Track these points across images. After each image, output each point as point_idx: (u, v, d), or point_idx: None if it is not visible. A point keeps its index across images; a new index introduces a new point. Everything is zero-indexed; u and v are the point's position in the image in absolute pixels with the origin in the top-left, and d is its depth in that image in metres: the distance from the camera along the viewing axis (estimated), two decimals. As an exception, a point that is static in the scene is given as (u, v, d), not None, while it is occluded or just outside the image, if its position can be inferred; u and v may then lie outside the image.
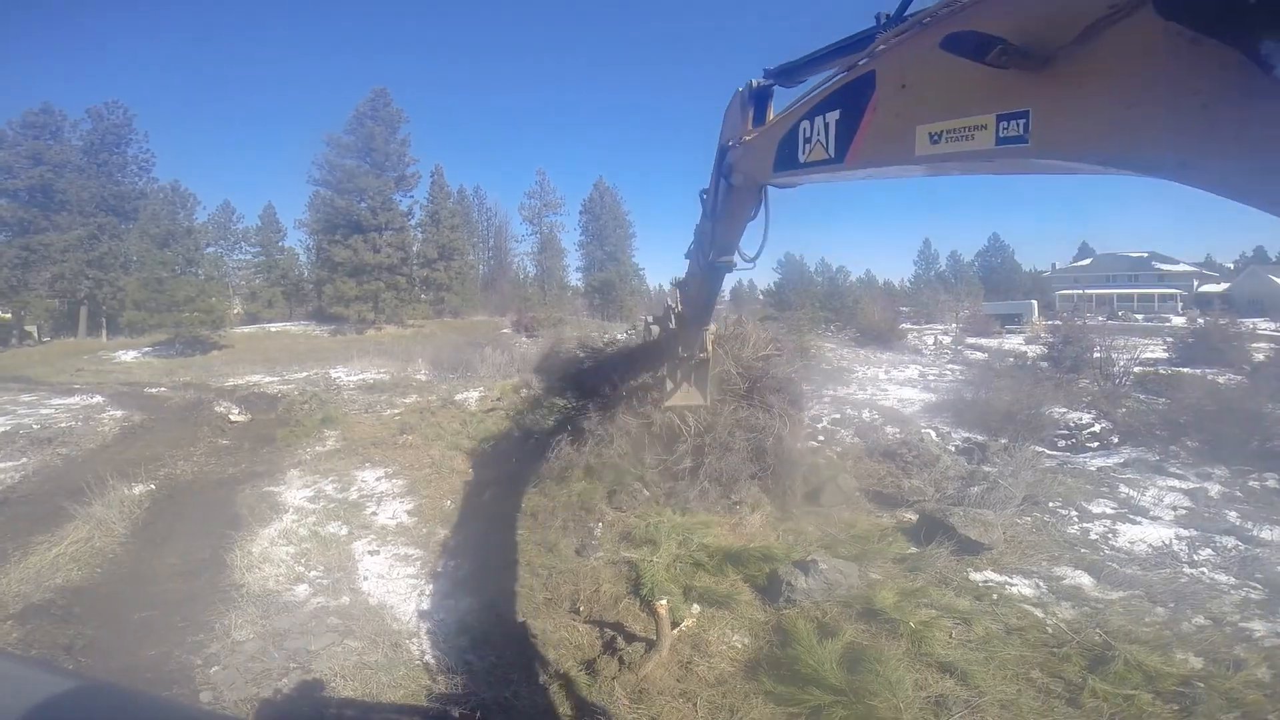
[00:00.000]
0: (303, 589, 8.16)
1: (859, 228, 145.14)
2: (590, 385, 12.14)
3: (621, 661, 6.08)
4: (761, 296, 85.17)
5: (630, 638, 6.53)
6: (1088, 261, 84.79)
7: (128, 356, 39.96)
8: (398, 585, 8.32)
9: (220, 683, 6.02)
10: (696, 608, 6.99)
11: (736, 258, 5.61)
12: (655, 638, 6.23)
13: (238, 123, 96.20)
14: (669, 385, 9.67)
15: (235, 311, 50.94)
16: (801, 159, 3.30)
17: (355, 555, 9.25)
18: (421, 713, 5.80)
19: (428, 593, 8.10)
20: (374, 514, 10.96)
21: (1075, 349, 24.98)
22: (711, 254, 5.84)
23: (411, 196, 54.41)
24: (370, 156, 50.76)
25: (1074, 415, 17.52)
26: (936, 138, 2.21)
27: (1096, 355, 23.72)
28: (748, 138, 4.40)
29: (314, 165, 49.79)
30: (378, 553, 9.40)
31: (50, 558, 8.51)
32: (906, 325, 51.50)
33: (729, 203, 5.06)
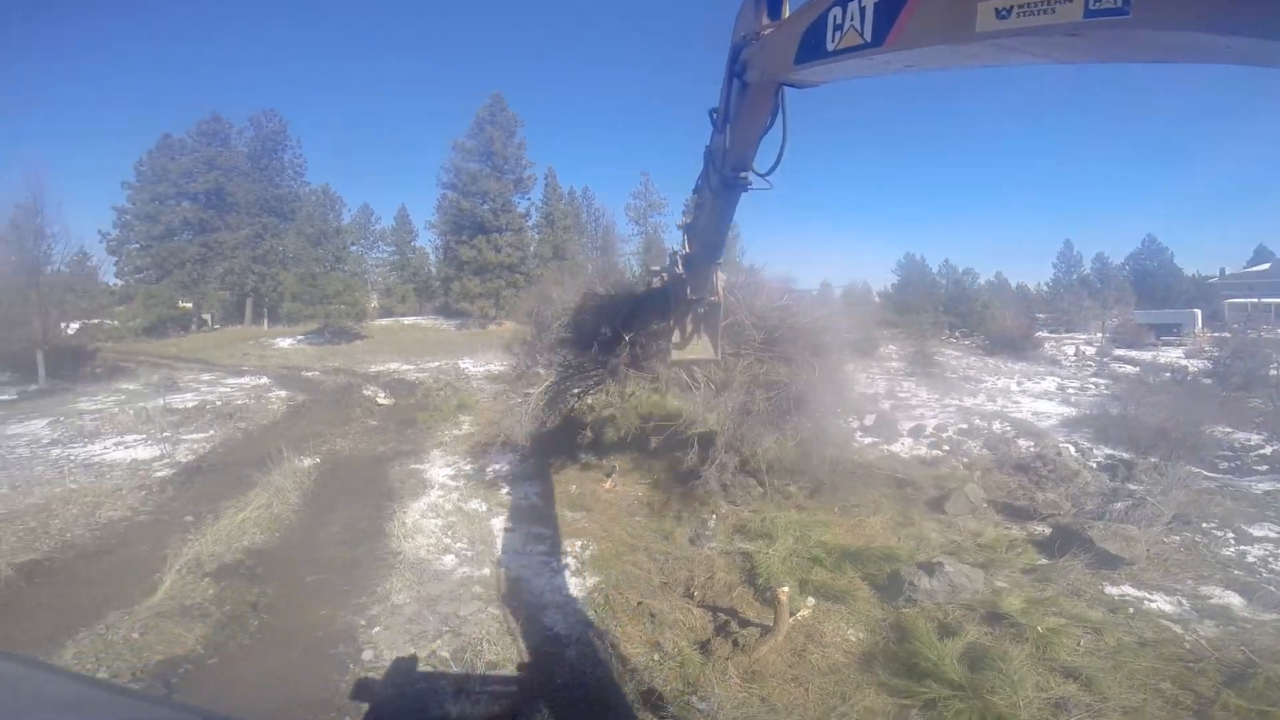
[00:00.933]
0: (450, 559, 9.20)
1: (988, 227, 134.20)
2: (599, 338, 11.04)
3: (735, 644, 6.42)
4: (877, 299, 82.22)
5: (744, 623, 6.94)
6: (1265, 267, 74.04)
7: (284, 343, 44.72)
8: (531, 560, 9.19)
9: (381, 642, 6.87)
10: (811, 600, 7.38)
11: (751, 176, 5.10)
12: (771, 624, 6.58)
13: (374, 128, 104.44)
14: (677, 336, 8.76)
15: (373, 306, 55.63)
16: (830, 47, 2.92)
17: (494, 531, 10.27)
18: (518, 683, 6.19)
19: (557, 568, 8.88)
20: (508, 493, 11.97)
21: (1247, 364, 22.83)
22: (724, 168, 5.20)
23: (528, 198, 57.13)
24: (490, 160, 53.76)
25: (1240, 436, 16.20)
26: (1005, 11, 1.86)
27: (1273, 372, 21.50)
28: (767, 30, 3.97)
29: (442, 169, 53.49)
30: (513, 530, 10.36)
31: (238, 521, 10.01)
32: (1043, 334, 48.24)
33: (742, 106, 4.51)
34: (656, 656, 6.49)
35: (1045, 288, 72.72)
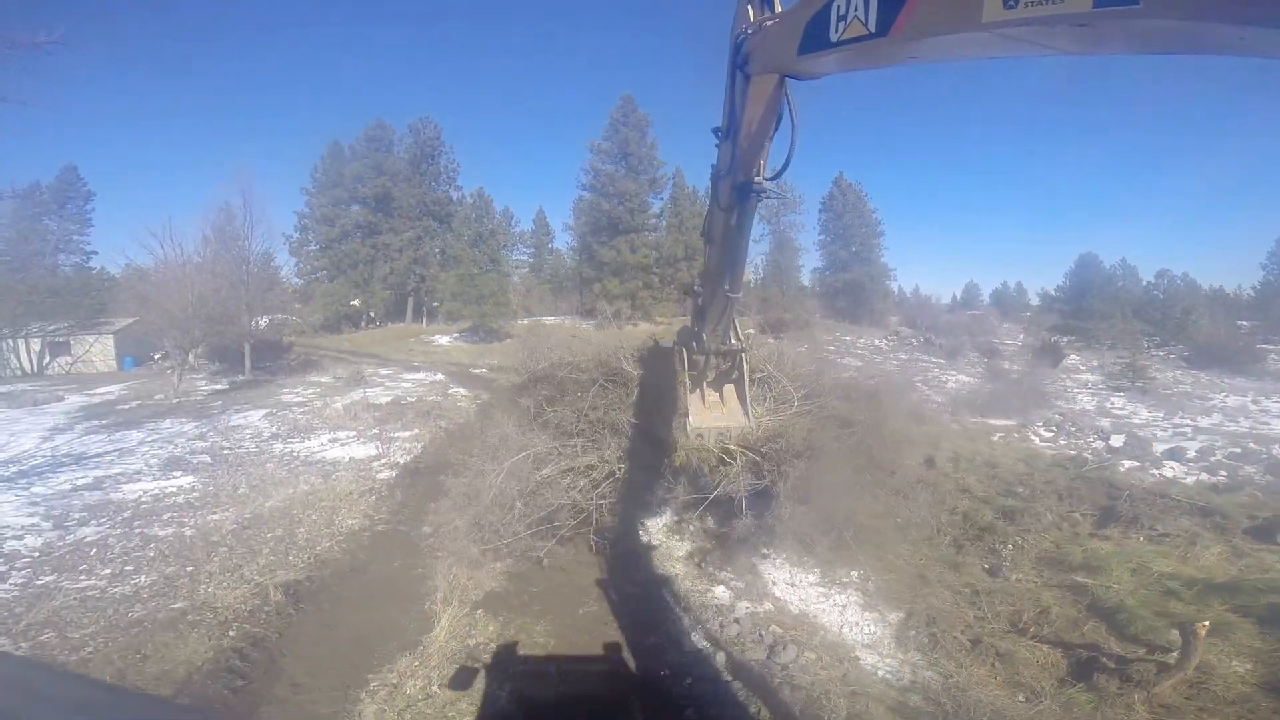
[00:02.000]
0: (721, 590, 7.81)
1: (1168, 221, 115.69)
2: None
3: (1127, 679, 6.00)
4: (1036, 301, 73.59)
5: (1119, 659, 6.38)
6: None
7: (443, 340, 46.34)
8: (807, 593, 8.15)
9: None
10: (1175, 634, 6.69)
11: (762, 180, 4.72)
12: (1178, 658, 6.06)
13: (510, 133, 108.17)
14: (691, 401, 7.57)
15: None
16: (834, 37, 2.88)
17: (756, 561, 8.91)
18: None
19: (846, 604, 7.90)
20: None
21: None
22: (735, 175, 4.85)
23: (661, 198, 55.97)
24: (625, 161, 53.12)
25: None
26: (1012, 1, 1.84)
27: None
28: (769, 22, 3.85)
29: (581, 170, 53.58)
30: (767, 556, 8.90)
31: None
32: (1265, 345, 40.74)
33: (746, 102, 4.21)
34: (1022, 697, 5.90)
35: (1253, 291, 61.82)
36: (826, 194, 64.30)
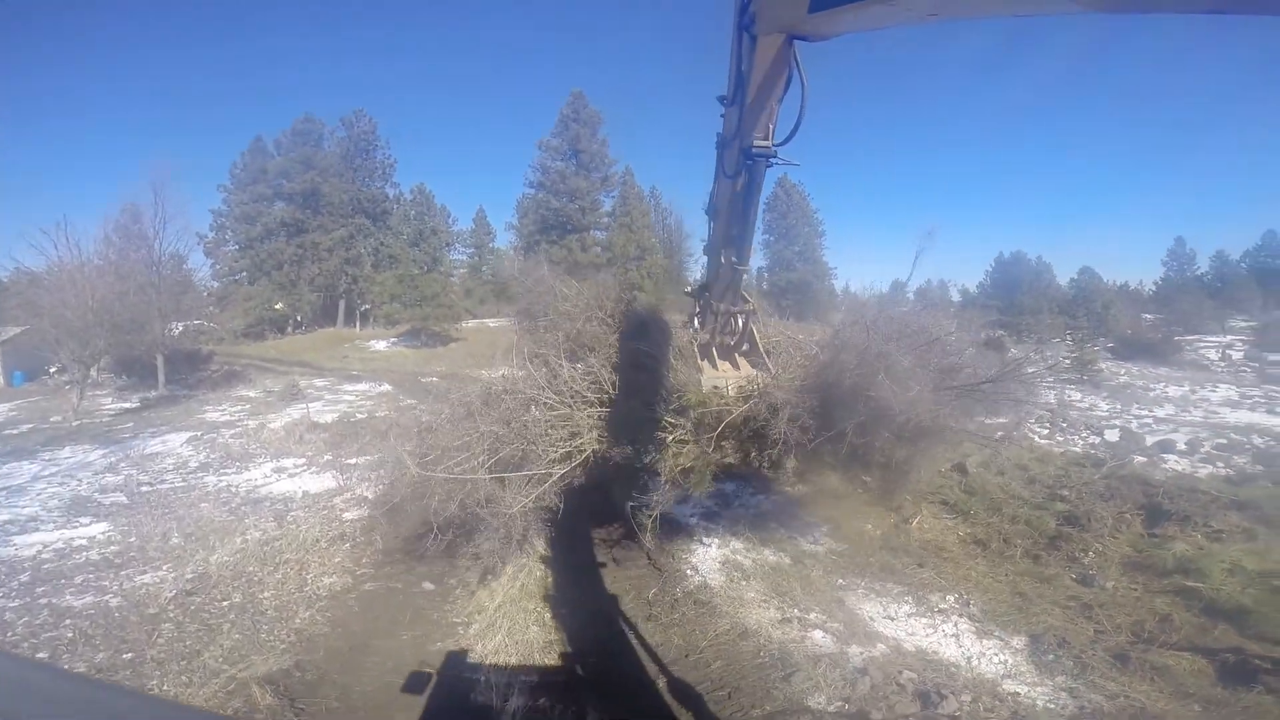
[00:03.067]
0: (820, 635, 6.70)
1: (1065, 221, 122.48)
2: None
3: None
4: (957, 298, 76.43)
5: (1274, 661, 6.11)
6: None
7: (380, 345, 43.26)
8: (910, 626, 7.37)
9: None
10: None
11: (771, 144, 4.57)
12: None
13: (448, 129, 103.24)
14: (703, 367, 7.71)
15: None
16: None
17: (837, 593, 8.04)
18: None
19: (958, 632, 7.17)
20: (786, 536, 10.16)
21: None
22: (743, 140, 4.71)
23: (612, 196, 54.55)
24: (576, 158, 51.44)
25: None
26: None
27: None
28: None
29: (530, 168, 51.52)
30: (853, 587, 8.28)
31: (501, 601, 7.95)
32: (1181, 337, 43.22)
33: (753, 64, 4.00)
34: (1198, 707, 5.65)
35: (1155, 285, 66.05)
36: (770, 194, 64.63)
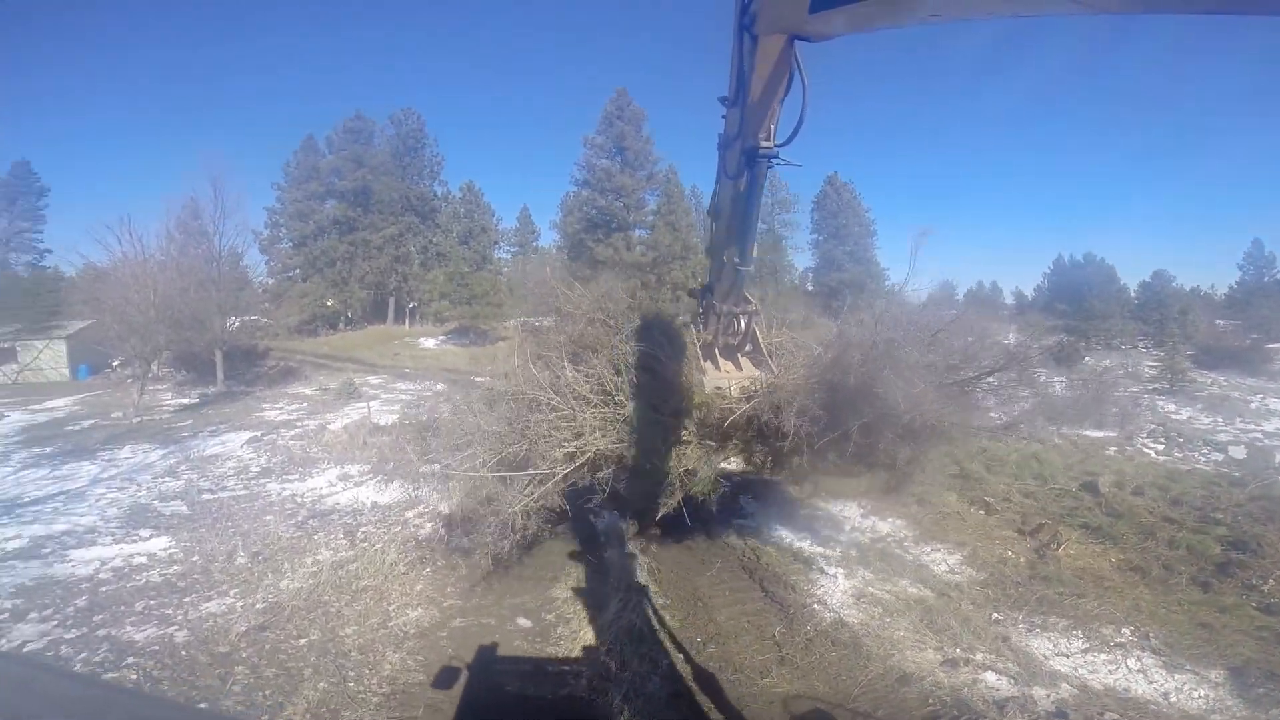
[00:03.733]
0: (994, 678, 6.00)
1: (1142, 221, 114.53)
2: None
3: None
4: (1011, 300, 72.64)
5: None
6: None
7: (430, 343, 42.85)
8: (1088, 662, 6.41)
9: None
10: None
11: (772, 144, 4.52)
12: None
13: (493, 130, 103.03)
14: (705, 369, 7.69)
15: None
16: None
17: (997, 628, 6.92)
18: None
19: (1143, 667, 6.33)
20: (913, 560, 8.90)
21: None
22: (745, 140, 4.65)
23: (656, 195, 53.27)
24: (621, 155, 50.28)
25: None
26: None
27: None
28: None
29: (575, 166, 50.60)
30: (1013, 622, 7.16)
31: None
32: (1272, 345, 39.90)
33: (754, 65, 3.92)
34: None
35: (1231, 289, 61.62)
36: (819, 193, 62.59)
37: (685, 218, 58.04)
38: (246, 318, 53.01)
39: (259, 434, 16.58)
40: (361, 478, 12.25)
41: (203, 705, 5.15)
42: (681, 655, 6.40)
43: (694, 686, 5.87)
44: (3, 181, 48.54)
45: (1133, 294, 53.88)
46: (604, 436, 7.54)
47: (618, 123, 51.18)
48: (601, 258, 47.85)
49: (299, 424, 17.87)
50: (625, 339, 8.60)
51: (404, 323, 51.48)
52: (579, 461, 7.51)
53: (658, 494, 7.63)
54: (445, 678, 5.73)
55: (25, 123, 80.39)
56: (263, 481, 12.31)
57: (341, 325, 50.99)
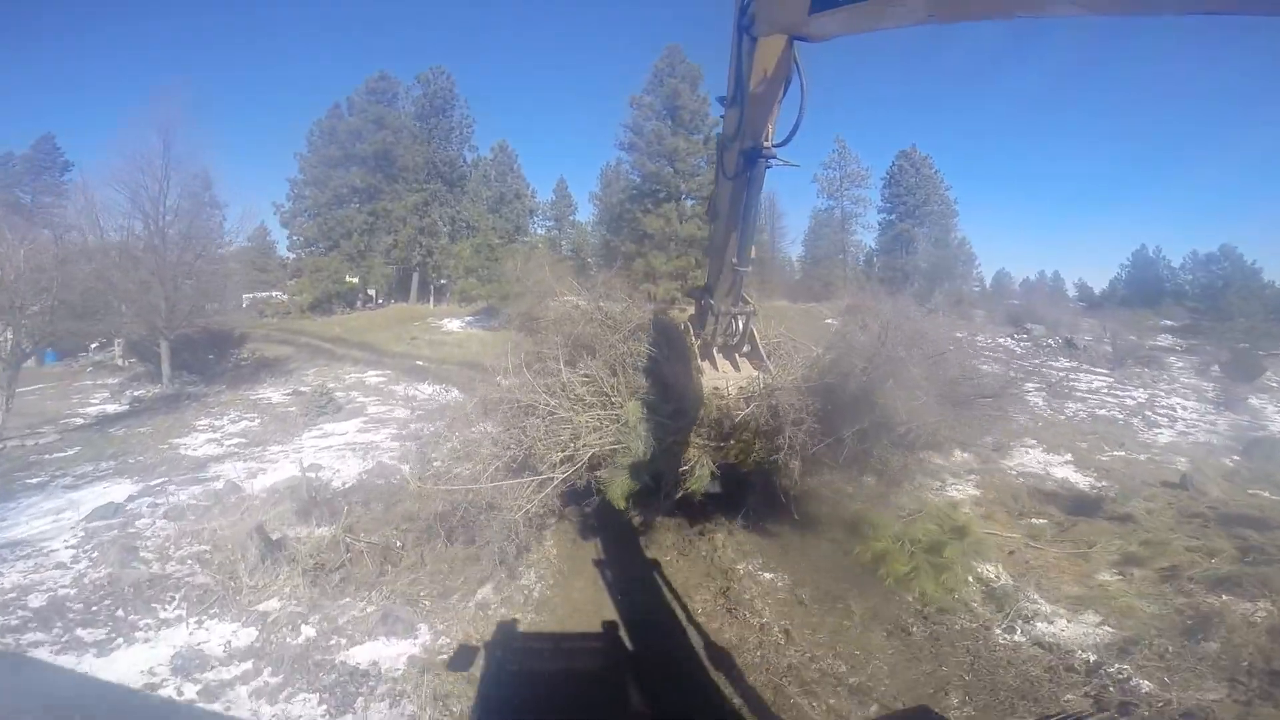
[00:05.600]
0: None
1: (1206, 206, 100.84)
2: None
3: None
4: (1073, 292, 61.69)
5: None
6: None
7: (454, 325, 36.27)
8: None
9: None
10: None
11: (770, 146, 4.43)
12: None
13: (527, 97, 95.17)
14: (704, 369, 7.43)
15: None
16: None
17: None
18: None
19: None
20: None
21: None
22: (743, 141, 4.57)
23: (712, 162, 45.33)
24: (674, 116, 42.41)
25: None
26: None
27: None
28: None
29: (621, 127, 42.82)
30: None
31: None
32: None
33: (753, 65, 3.86)
34: None
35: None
36: (892, 167, 53.83)
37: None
38: (259, 294, 47.40)
39: (142, 487, 9.99)
40: (263, 646, 5.36)
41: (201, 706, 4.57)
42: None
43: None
44: (25, 156, 45.51)
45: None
46: (600, 438, 7.11)
47: (669, 80, 43.17)
48: (651, 229, 40.37)
49: (222, 464, 11.20)
50: (623, 339, 8.26)
51: (429, 301, 44.98)
52: (577, 465, 7.06)
53: (656, 492, 7.24)
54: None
55: (48, 97, 76.43)
56: (35, 644, 5.53)
57: (360, 304, 44.83)
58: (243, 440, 13.33)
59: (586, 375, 7.99)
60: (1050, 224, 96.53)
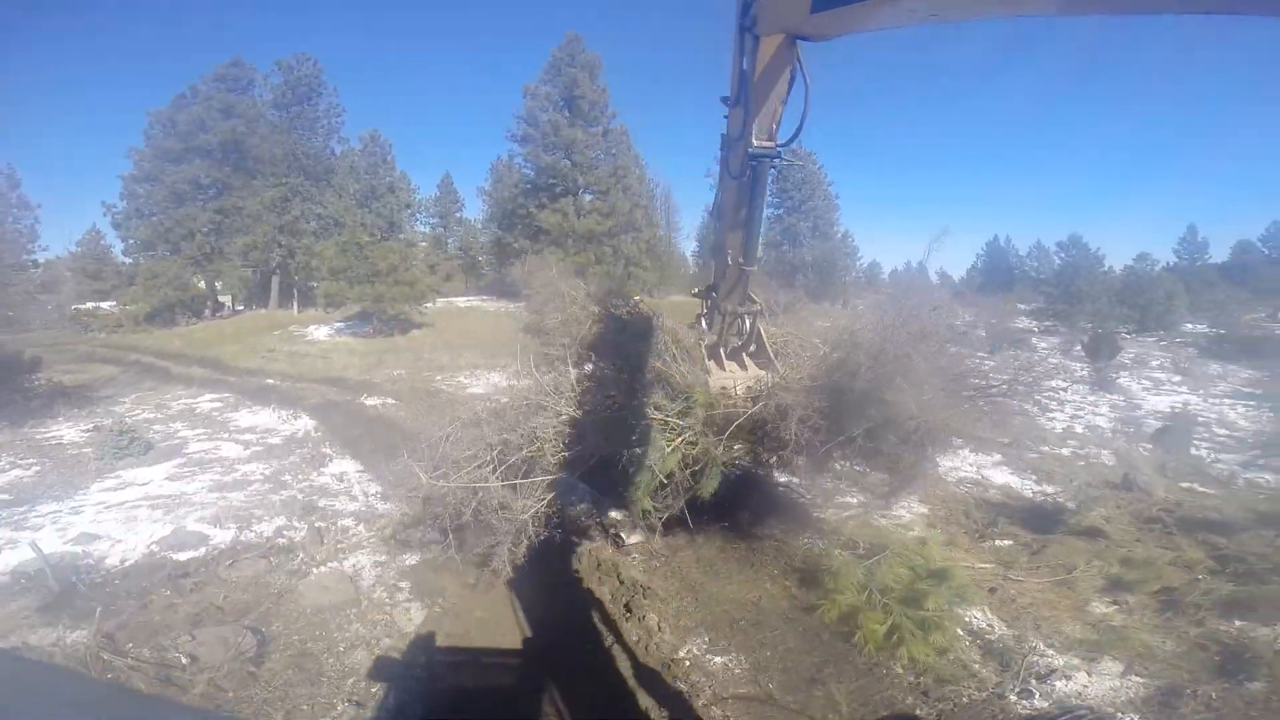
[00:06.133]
0: None
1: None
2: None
3: None
4: (936, 280, 66.60)
5: None
6: None
7: (320, 332, 32.27)
8: None
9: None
10: None
11: (775, 144, 4.45)
12: None
13: (411, 90, 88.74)
14: (710, 368, 7.25)
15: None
16: None
17: None
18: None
19: None
20: None
21: None
22: (743, 143, 4.53)
23: (613, 156, 43.65)
24: (571, 106, 40.47)
25: None
26: None
27: None
28: None
29: (515, 118, 40.31)
30: None
31: None
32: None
33: (755, 65, 3.83)
34: None
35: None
36: (781, 165, 54.76)
37: (640, 184, 49.02)
38: (86, 305, 40.24)
39: None
40: None
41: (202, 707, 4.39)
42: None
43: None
44: None
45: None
46: (607, 439, 7.08)
47: (568, 69, 41.04)
48: (547, 225, 38.15)
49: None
50: (630, 340, 8.21)
51: (292, 307, 40.02)
52: (582, 466, 7.15)
53: (664, 495, 6.87)
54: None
55: None
56: None
57: (209, 312, 39.12)
58: (4, 498, 10.03)
59: (594, 375, 8.04)
60: (913, 216, 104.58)
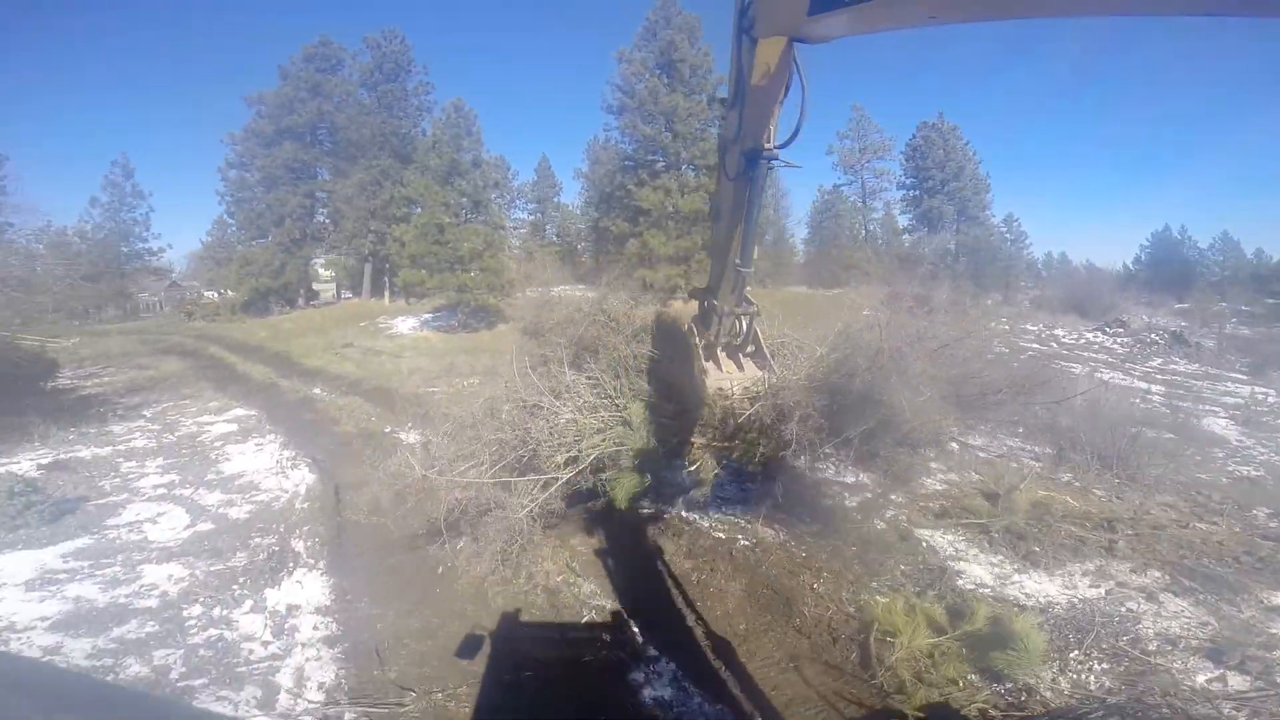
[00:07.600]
0: None
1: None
2: None
3: None
4: (1089, 271, 54.08)
5: None
6: None
7: (405, 325, 28.91)
8: None
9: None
10: None
11: (773, 147, 4.30)
12: None
13: (508, 76, 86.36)
14: (708, 369, 6.98)
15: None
16: None
17: None
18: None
19: None
20: None
21: None
22: (743, 143, 4.47)
23: (715, 126, 37.54)
24: (670, 71, 34.69)
25: None
26: None
27: None
28: None
29: (609, 87, 35.25)
30: None
31: None
32: None
33: (753, 68, 3.77)
34: None
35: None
36: (914, 139, 46.21)
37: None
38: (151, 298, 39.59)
39: None
40: None
41: (202, 706, 4.29)
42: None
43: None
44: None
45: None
46: (605, 440, 6.85)
47: (664, 32, 35.37)
48: (647, 204, 32.64)
49: None
50: (626, 340, 8.11)
51: (384, 297, 37.39)
52: (580, 466, 6.72)
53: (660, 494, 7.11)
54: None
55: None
56: None
57: (301, 301, 37.24)
58: None
59: (591, 376, 7.76)
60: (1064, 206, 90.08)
